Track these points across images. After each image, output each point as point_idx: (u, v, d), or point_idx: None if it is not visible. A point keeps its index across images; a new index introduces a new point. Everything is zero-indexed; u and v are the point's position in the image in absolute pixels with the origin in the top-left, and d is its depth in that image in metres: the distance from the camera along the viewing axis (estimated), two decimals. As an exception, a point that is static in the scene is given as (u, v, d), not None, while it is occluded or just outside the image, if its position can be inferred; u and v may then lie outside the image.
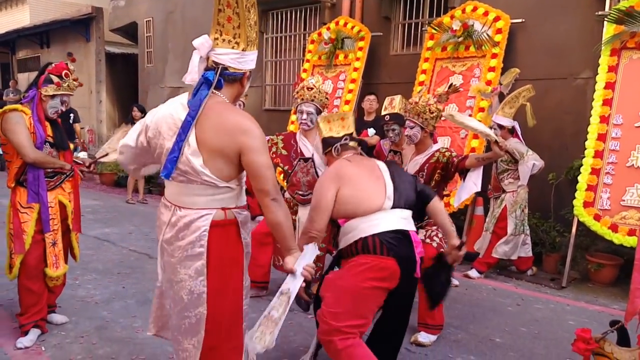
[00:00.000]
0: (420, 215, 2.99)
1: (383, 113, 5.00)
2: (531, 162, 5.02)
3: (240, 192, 2.28)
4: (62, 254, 3.49)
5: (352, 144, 3.05)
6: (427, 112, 3.70)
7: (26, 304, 3.38)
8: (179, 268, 2.20)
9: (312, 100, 4.17)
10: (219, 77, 2.15)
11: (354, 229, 2.69)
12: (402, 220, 2.71)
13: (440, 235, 3.75)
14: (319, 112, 4.22)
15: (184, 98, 2.22)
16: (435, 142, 3.95)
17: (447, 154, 3.68)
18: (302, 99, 4.18)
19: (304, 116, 4.17)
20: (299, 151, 4.24)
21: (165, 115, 2.21)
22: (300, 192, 4.26)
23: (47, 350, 3.25)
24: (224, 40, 2.15)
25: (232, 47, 2.16)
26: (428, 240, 3.72)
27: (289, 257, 2.25)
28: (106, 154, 3.85)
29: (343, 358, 2.52)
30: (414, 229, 2.77)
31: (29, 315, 3.38)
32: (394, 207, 2.71)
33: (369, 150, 5.88)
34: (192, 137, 2.12)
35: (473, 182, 3.59)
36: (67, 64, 3.53)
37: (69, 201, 3.54)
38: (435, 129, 3.86)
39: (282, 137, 4.35)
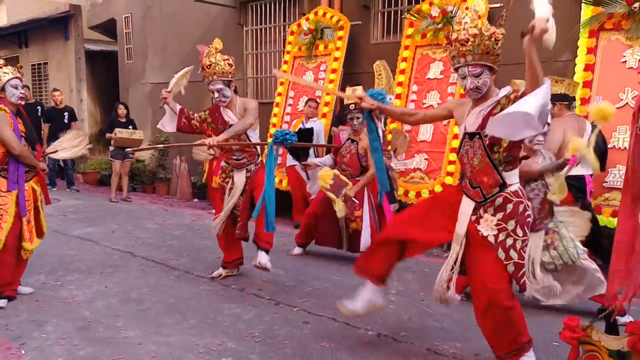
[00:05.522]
0: None
1: (346, 102, 5.18)
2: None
3: None
4: (35, 230, 4.07)
5: None
6: (494, 43, 2.84)
7: (3, 276, 3.88)
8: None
9: (215, 77, 4.25)
10: None
11: None
12: None
13: None
14: (228, 83, 4.32)
15: None
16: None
17: (512, 96, 2.70)
18: (206, 80, 4.29)
19: (216, 95, 4.32)
20: (225, 121, 4.39)
21: None
22: (234, 157, 4.45)
23: (27, 354, 3.18)
24: None
25: None
26: None
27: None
28: (55, 151, 4.49)
29: None
30: None
31: (2, 285, 3.90)
32: None
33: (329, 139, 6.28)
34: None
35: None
36: None
37: (38, 185, 4.10)
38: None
39: (208, 112, 4.50)
